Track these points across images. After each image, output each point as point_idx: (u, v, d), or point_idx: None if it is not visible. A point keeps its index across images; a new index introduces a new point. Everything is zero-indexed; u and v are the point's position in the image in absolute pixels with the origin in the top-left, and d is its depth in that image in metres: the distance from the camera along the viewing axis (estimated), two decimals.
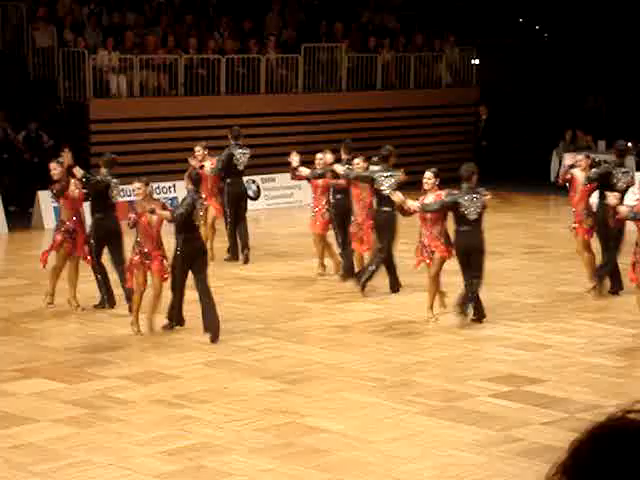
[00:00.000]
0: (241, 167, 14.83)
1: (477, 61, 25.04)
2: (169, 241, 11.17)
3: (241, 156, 14.82)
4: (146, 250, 10.92)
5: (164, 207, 11.09)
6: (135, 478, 7.42)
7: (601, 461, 1.59)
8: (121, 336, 11.17)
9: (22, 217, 17.71)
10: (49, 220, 17.81)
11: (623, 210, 11.36)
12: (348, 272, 13.45)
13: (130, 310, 11.34)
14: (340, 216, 13.49)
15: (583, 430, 1.63)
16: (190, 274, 10.88)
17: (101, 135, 19.68)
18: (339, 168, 13.32)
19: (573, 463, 1.61)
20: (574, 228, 13.14)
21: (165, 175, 19.19)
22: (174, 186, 19.39)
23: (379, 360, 10.35)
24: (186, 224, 10.86)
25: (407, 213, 11.83)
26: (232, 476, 7.50)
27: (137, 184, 11.01)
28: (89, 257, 11.92)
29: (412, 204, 11.54)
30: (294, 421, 8.54)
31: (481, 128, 23.63)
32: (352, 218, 13.30)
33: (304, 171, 13.76)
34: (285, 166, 20.10)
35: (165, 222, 11.07)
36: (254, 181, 20.47)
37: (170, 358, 10.28)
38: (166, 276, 10.98)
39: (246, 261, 14.57)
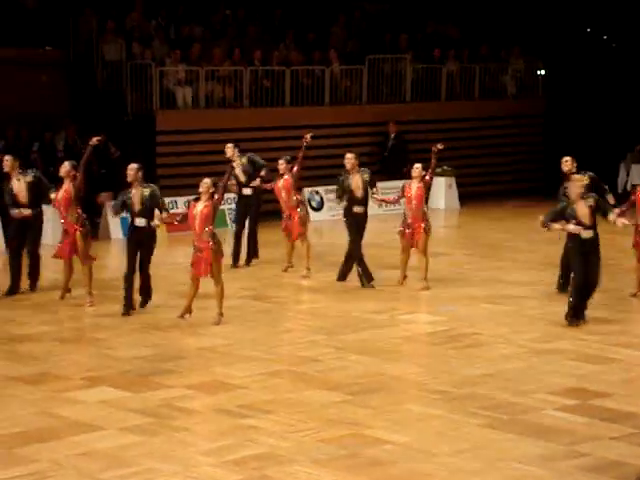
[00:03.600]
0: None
1: (543, 72, 24.84)
2: None
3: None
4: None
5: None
6: None
7: None
8: (187, 346, 11.29)
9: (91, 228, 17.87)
10: (116, 230, 18.06)
11: None
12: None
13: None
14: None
15: None
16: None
17: (167, 146, 19.93)
18: None
19: None
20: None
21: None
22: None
23: (443, 372, 10.31)
24: None
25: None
26: None
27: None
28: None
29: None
30: (357, 432, 8.54)
31: (389, 147, 22.13)
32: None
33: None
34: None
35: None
36: (317, 192, 20.54)
37: (234, 368, 10.35)
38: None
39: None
